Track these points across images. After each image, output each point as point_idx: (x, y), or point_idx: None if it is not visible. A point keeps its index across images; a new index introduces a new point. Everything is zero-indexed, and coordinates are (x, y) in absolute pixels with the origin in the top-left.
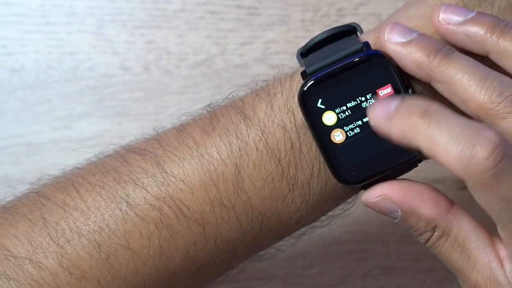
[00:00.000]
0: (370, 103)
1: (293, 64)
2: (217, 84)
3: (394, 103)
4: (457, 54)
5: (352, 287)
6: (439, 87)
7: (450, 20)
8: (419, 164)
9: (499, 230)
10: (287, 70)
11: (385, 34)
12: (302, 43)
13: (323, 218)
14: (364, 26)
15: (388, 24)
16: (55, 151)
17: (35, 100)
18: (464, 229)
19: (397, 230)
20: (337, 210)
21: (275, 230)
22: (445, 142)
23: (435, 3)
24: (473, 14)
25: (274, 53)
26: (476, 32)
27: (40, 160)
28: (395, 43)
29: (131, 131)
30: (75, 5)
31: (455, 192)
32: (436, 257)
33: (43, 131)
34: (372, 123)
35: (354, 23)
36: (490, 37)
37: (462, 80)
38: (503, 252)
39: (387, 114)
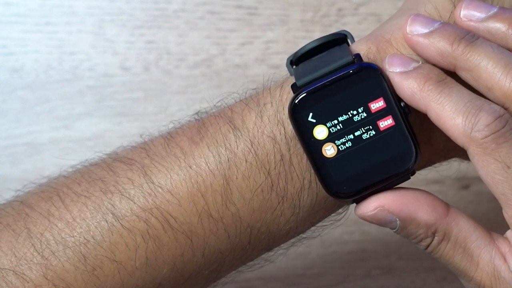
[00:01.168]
0: (362, 117)
1: None
2: (217, 84)
3: (413, 64)
4: (481, 41)
5: (352, 287)
6: (464, 74)
7: (472, 16)
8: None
9: (503, 211)
10: (277, 77)
11: (407, 27)
12: (302, 43)
13: (313, 228)
14: (364, 26)
15: (409, 16)
16: (55, 151)
17: (35, 100)
18: (464, 229)
19: None
20: (326, 221)
21: (264, 241)
22: (452, 108)
23: (428, 11)
24: (495, 10)
25: (274, 53)
26: (498, 29)
27: (40, 160)
28: (417, 35)
29: (131, 131)
30: (75, 5)
31: (455, 192)
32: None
33: (43, 131)
34: (387, 70)
35: (345, 31)
36: None
37: (487, 67)
38: (504, 248)
39: (404, 70)
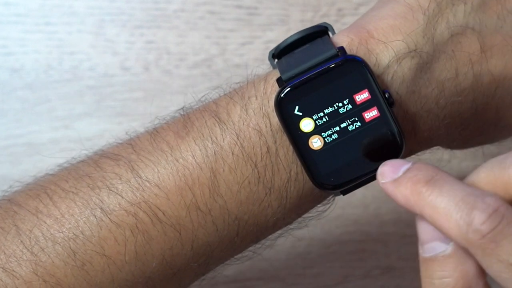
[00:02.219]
0: (348, 109)
1: None
2: (217, 84)
3: (403, 168)
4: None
5: (352, 287)
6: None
7: (388, 177)
8: None
9: None
10: (260, 71)
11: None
12: None
13: (299, 220)
14: None
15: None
16: (55, 151)
17: (35, 100)
18: None
19: (397, 230)
20: (312, 212)
21: (252, 233)
22: (445, 209)
23: (408, 2)
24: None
25: None
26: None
27: (40, 160)
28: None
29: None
30: (75, 5)
31: None
32: None
33: (43, 131)
34: (379, 182)
35: (325, 23)
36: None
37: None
38: None
39: (394, 178)
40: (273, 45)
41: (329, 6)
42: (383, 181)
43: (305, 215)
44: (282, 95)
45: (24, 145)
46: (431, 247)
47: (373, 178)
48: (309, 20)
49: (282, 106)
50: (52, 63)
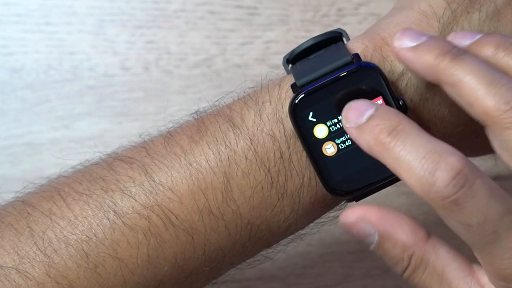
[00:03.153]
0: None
1: None
2: (217, 84)
3: (366, 114)
4: (468, 55)
5: (352, 287)
6: (447, 89)
7: (458, 45)
8: None
9: (474, 252)
10: (274, 76)
11: (395, 41)
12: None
13: (311, 225)
14: (364, 26)
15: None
16: (55, 151)
17: (35, 100)
18: (442, 258)
19: None
20: (324, 218)
21: (264, 238)
22: (408, 164)
23: (422, 9)
24: (479, 36)
25: (274, 53)
26: (482, 53)
27: (40, 160)
28: (405, 49)
29: (131, 131)
30: (75, 5)
31: None
32: None
33: (43, 131)
34: (343, 126)
35: (339, 29)
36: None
37: (470, 83)
38: (483, 279)
39: (358, 123)
40: (273, 45)
41: (329, 6)
42: (347, 125)
43: (317, 221)
44: (296, 101)
45: (24, 145)
46: (368, 240)
47: (386, 184)
48: (309, 20)
49: (296, 112)
50: (52, 63)
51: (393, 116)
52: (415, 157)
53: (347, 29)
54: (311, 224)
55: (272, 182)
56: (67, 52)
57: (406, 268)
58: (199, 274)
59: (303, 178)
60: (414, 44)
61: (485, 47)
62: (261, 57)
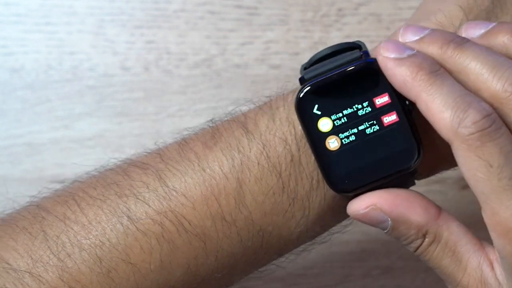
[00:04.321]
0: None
1: (292, 64)
2: (217, 84)
3: (407, 51)
4: (470, 43)
5: (352, 287)
6: (454, 77)
7: (472, 35)
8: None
9: (482, 212)
10: (291, 86)
11: (399, 37)
12: (302, 43)
13: (323, 235)
14: (364, 26)
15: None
16: (55, 151)
17: (35, 100)
18: (454, 233)
19: None
20: (336, 227)
21: (276, 245)
22: (441, 101)
23: (439, 20)
24: (493, 24)
25: (274, 53)
26: (497, 41)
27: (40, 160)
28: (409, 42)
29: (131, 131)
30: (75, 5)
31: (455, 192)
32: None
33: (43, 131)
34: (380, 56)
35: (359, 41)
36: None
37: (475, 69)
38: (492, 255)
39: (398, 56)
40: (273, 45)
41: (329, 6)
42: (385, 55)
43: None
44: (302, 94)
45: (24, 145)
46: (382, 227)
47: (388, 184)
48: (309, 20)
49: (302, 104)
50: (52, 63)
51: (433, 60)
52: (450, 96)
53: (347, 29)
54: (324, 234)
55: (283, 187)
56: (67, 52)
57: (420, 245)
58: (211, 280)
59: (312, 181)
60: (417, 37)
61: (500, 35)
62: (261, 57)
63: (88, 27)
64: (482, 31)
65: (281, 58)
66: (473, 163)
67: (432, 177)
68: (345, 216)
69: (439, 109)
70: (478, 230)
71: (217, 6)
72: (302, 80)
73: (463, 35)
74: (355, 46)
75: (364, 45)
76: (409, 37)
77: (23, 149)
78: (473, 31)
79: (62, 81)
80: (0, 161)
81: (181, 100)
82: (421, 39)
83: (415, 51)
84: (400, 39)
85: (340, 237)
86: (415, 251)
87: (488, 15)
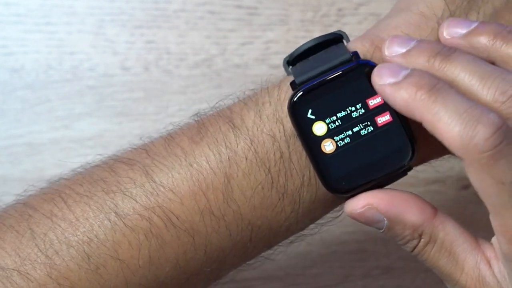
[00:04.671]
0: (360, 113)
1: None
2: (217, 84)
3: (403, 72)
4: (458, 53)
5: (352, 287)
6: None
7: (454, 33)
8: (408, 173)
9: (491, 218)
10: (274, 79)
11: (386, 50)
12: (302, 43)
13: (311, 226)
14: (364, 26)
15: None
16: (55, 151)
17: (35, 100)
18: (450, 233)
19: None
20: (324, 218)
21: (265, 238)
22: (449, 119)
23: (421, 10)
24: (476, 24)
25: (274, 53)
26: (480, 42)
27: (40, 160)
28: (396, 56)
29: (131, 131)
30: (75, 5)
31: (455, 192)
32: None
33: (43, 131)
34: (376, 86)
35: (340, 31)
36: (493, 45)
37: (464, 80)
38: (489, 253)
39: (394, 81)
40: (273, 45)
41: (329, 6)
42: (380, 83)
43: (318, 221)
44: (295, 99)
45: (24, 145)
46: (378, 226)
47: (384, 183)
48: (309, 20)
49: (295, 109)
50: (52, 63)
51: (430, 75)
52: (456, 112)
53: (347, 29)
54: (312, 225)
55: (272, 182)
56: (67, 52)
57: (416, 245)
58: (200, 275)
59: (303, 178)
60: (404, 50)
61: (482, 36)
62: (261, 57)
63: (88, 27)
64: (464, 30)
65: (281, 58)
66: (485, 181)
67: (432, 177)
68: (334, 208)
69: (447, 128)
70: (478, 230)
71: (217, 6)
72: (294, 85)
73: (444, 32)
74: (337, 36)
75: (345, 34)
76: (396, 50)
77: (23, 149)
78: (455, 30)
79: (62, 81)
80: (0, 161)
81: (181, 100)
82: (408, 52)
83: (409, 69)
84: (386, 52)
85: (340, 237)
86: (412, 251)
87: (469, 4)
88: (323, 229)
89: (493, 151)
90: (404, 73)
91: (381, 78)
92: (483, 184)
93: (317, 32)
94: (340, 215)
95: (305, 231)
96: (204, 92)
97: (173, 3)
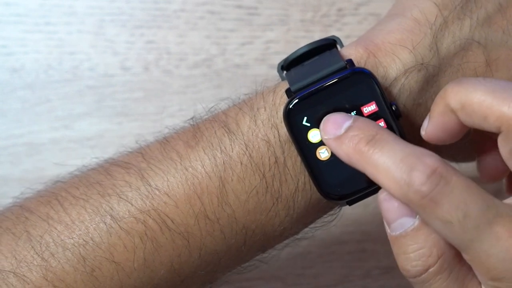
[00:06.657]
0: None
1: None
2: (217, 84)
3: (345, 125)
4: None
5: (352, 287)
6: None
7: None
8: None
9: (463, 254)
10: (269, 83)
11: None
12: (302, 43)
13: (306, 230)
14: (364, 26)
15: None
16: (55, 151)
17: (35, 100)
18: (465, 267)
19: None
20: (318, 223)
21: (259, 242)
22: (386, 168)
23: (415, 16)
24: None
25: (274, 53)
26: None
27: (40, 160)
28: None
29: (131, 131)
30: (75, 5)
31: None
32: None
33: (43, 131)
34: (323, 140)
35: (334, 36)
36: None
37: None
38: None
39: (336, 135)
40: (273, 45)
41: (329, 6)
42: (325, 137)
43: (312, 226)
44: (290, 106)
45: (24, 145)
46: (399, 224)
47: (379, 189)
48: (309, 20)
49: (291, 117)
50: (52, 63)
51: (370, 126)
52: (393, 161)
53: (347, 29)
54: (306, 229)
55: (267, 186)
56: (67, 52)
57: (430, 266)
58: (194, 277)
59: (297, 183)
60: (338, 132)
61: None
62: (261, 57)
63: (88, 27)
64: (340, 132)
65: (281, 58)
66: (435, 224)
67: None
68: (328, 213)
69: (385, 179)
70: None
71: (217, 6)
72: (289, 93)
73: (323, 136)
74: (331, 42)
75: (339, 40)
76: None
77: (23, 149)
78: (331, 131)
79: (62, 81)
80: (0, 161)
81: (181, 100)
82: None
83: (351, 120)
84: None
85: (340, 237)
86: (421, 274)
87: (462, 9)
88: (323, 229)
89: (432, 193)
90: (347, 124)
91: (325, 133)
92: (435, 227)
93: (317, 32)
94: (334, 219)
95: (299, 235)
96: (204, 92)
97: (173, 3)
